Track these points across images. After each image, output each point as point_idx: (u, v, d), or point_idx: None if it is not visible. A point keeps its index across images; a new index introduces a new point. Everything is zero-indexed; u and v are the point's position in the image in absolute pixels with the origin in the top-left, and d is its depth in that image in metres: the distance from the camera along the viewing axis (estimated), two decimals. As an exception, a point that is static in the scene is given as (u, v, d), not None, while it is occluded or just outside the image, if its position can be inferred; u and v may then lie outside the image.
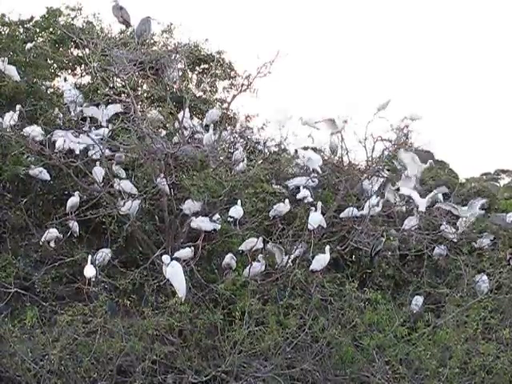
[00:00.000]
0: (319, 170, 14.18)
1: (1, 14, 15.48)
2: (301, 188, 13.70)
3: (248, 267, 12.35)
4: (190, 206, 12.46)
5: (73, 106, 13.71)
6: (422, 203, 13.71)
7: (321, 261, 12.51)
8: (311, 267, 12.52)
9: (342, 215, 13.66)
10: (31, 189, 13.19)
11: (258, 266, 12.36)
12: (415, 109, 14.70)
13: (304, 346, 11.41)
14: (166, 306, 11.08)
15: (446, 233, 13.83)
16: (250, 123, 15.48)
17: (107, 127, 13.47)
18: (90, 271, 11.71)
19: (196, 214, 12.40)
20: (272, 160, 14.49)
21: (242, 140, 14.72)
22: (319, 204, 13.02)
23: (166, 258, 11.31)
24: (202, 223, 12.31)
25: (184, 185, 12.57)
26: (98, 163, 12.85)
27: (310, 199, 13.45)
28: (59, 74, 15.46)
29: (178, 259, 11.55)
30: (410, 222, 13.67)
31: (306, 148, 14.74)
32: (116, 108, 13.85)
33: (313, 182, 14.03)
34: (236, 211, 12.61)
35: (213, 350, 11.31)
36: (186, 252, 12.00)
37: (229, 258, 12.42)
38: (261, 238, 12.55)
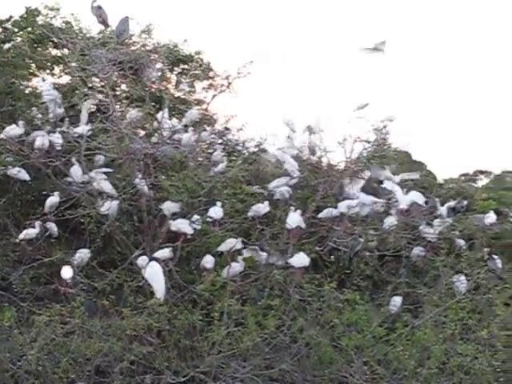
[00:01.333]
0: (295, 174, 14.08)
1: (-22, 14, 15.40)
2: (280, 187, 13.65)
3: (227, 268, 12.35)
4: (168, 206, 12.45)
5: (52, 105, 13.63)
6: (403, 200, 13.76)
7: (301, 259, 12.51)
8: (290, 260, 12.52)
9: (320, 215, 13.65)
10: (10, 189, 13.11)
11: (236, 267, 12.34)
12: (390, 111, 14.79)
13: (283, 347, 11.41)
14: (145, 306, 11.06)
15: (424, 233, 13.86)
16: (229, 124, 15.51)
17: (86, 124, 13.38)
18: (66, 272, 11.65)
19: (175, 215, 12.40)
20: (251, 161, 14.50)
21: (220, 141, 14.72)
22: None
23: (142, 259, 11.28)
24: (182, 225, 12.30)
25: (163, 185, 12.54)
26: (74, 159, 12.79)
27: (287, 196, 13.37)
28: (38, 73, 15.38)
29: (157, 260, 11.53)
30: (389, 221, 13.70)
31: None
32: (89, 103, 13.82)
33: (293, 178, 13.97)
34: (215, 212, 12.62)
35: (191, 351, 11.29)
36: (164, 252, 11.98)
37: (206, 260, 12.42)
38: (240, 239, 12.53)
